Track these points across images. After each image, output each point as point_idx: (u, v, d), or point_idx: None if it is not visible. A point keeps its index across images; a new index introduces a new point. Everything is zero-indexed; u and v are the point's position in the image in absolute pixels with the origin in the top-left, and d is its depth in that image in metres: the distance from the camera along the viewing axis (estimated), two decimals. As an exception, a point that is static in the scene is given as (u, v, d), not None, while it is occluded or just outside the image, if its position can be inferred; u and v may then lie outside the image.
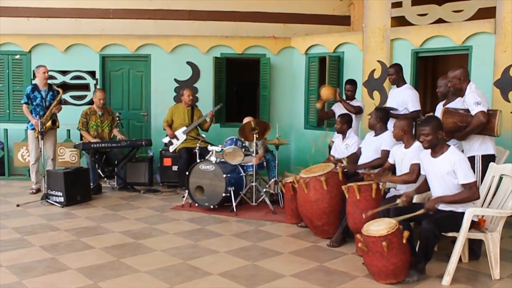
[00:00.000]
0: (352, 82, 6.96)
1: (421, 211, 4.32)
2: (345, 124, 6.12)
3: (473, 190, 4.20)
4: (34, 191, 7.68)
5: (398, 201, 4.49)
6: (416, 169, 4.79)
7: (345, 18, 9.92)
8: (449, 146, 4.39)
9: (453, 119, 4.85)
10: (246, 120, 7.41)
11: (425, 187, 4.64)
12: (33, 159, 7.69)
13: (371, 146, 5.65)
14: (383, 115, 5.65)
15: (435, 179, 4.42)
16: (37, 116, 7.37)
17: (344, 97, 6.93)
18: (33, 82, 8.26)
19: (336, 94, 6.80)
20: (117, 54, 9.19)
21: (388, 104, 6.22)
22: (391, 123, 5.51)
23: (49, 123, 7.41)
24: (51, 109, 7.46)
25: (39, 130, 7.10)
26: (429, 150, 4.44)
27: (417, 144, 4.97)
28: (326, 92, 6.92)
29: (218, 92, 9.10)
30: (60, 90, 7.66)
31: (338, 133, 6.26)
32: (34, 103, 7.52)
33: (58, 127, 7.70)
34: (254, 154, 6.86)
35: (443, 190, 4.34)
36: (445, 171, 4.29)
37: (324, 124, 8.39)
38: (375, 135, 5.67)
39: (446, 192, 4.32)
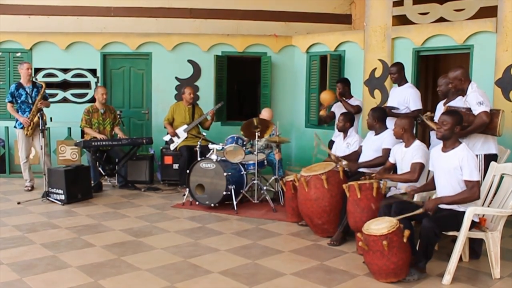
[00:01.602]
0: (342, 81, 6.96)
1: (420, 210, 4.32)
2: (347, 122, 6.11)
3: (473, 190, 4.20)
4: (29, 188, 7.70)
5: (405, 197, 4.48)
6: (417, 168, 4.79)
7: (346, 16, 9.91)
8: (461, 142, 4.39)
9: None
10: (264, 111, 7.54)
11: (432, 185, 4.64)
12: (23, 157, 7.69)
13: (371, 145, 5.65)
14: (379, 114, 5.65)
15: (442, 174, 4.41)
16: (24, 113, 7.39)
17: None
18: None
19: (337, 94, 6.82)
20: (118, 52, 9.19)
21: (389, 103, 6.21)
22: (392, 122, 5.50)
23: (36, 119, 7.39)
24: (36, 105, 7.41)
25: (41, 128, 7.10)
26: (440, 146, 4.44)
27: (417, 143, 4.98)
28: (326, 96, 6.94)
29: (219, 91, 9.10)
30: (43, 84, 7.59)
31: (339, 131, 6.25)
32: (19, 101, 7.51)
33: (45, 122, 7.50)
34: (256, 152, 6.86)
35: (448, 187, 4.34)
36: (452, 166, 4.29)
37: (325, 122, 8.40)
38: (375, 134, 5.67)
39: (450, 189, 4.32)
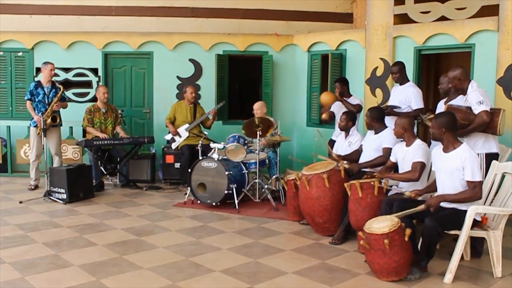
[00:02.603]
0: (340, 80, 6.98)
1: (422, 207, 4.32)
2: (350, 121, 6.11)
3: (476, 190, 4.21)
4: (32, 187, 7.71)
5: (407, 193, 4.48)
6: (418, 167, 4.79)
7: (347, 15, 9.91)
8: (461, 143, 4.39)
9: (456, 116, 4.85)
10: (256, 105, 7.46)
11: (435, 186, 4.63)
12: (33, 156, 7.70)
13: (372, 144, 5.65)
14: (376, 114, 5.63)
15: (443, 175, 4.42)
16: (39, 113, 7.39)
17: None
18: (36, 79, 8.26)
19: (336, 94, 6.82)
20: (120, 51, 9.19)
21: (391, 102, 6.22)
22: (393, 121, 5.49)
23: (49, 120, 7.40)
24: (52, 106, 7.43)
25: (42, 127, 7.13)
26: (441, 146, 4.45)
27: (418, 142, 4.98)
28: (326, 98, 6.95)
29: (221, 90, 9.11)
30: (61, 87, 7.62)
31: (341, 130, 6.25)
32: (36, 100, 7.51)
33: (58, 124, 7.64)
34: (258, 151, 6.87)
35: (450, 187, 4.34)
36: (454, 167, 4.30)
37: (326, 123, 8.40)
38: (375, 133, 5.67)
39: (452, 190, 4.32)
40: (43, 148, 7.26)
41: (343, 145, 6.16)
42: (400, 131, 5.05)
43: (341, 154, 5.96)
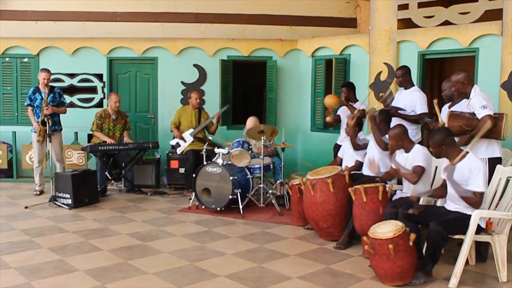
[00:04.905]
0: (347, 85, 7.00)
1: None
2: (356, 126, 6.13)
3: (477, 200, 4.23)
4: (37, 192, 7.74)
5: (410, 210, 4.45)
6: (419, 171, 4.79)
7: (351, 20, 9.91)
8: (467, 152, 4.36)
9: (458, 123, 4.85)
10: (250, 120, 7.49)
11: (440, 193, 4.63)
12: (36, 161, 7.73)
13: (375, 148, 5.65)
14: (384, 116, 5.66)
15: (450, 184, 4.41)
16: (38, 118, 7.41)
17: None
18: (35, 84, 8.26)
19: (342, 99, 6.83)
20: (124, 57, 9.23)
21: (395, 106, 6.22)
22: (396, 123, 5.51)
23: (39, 126, 7.38)
24: (42, 110, 7.38)
25: (48, 132, 7.15)
26: None
27: (417, 146, 4.99)
28: (330, 100, 6.97)
29: (225, 95, 9.13)
30: (46, 90, 7.44)
31: (348, 135, 6.25)
32: (35, 105, 7.54)
33: (58, 128, 7.64)
34: (262, 156, 6.88)
35: (456, 195, 4.34)
36: (463, 179, 4.29)
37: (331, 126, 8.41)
38: (380, 137, 5.68)
39: (455, 197, 4.32)
40: (48, 153, 7.28)
41: (350, 149, 6.16)
42: (398, 143, 4.99)
43: (347, 163, 6.00)
